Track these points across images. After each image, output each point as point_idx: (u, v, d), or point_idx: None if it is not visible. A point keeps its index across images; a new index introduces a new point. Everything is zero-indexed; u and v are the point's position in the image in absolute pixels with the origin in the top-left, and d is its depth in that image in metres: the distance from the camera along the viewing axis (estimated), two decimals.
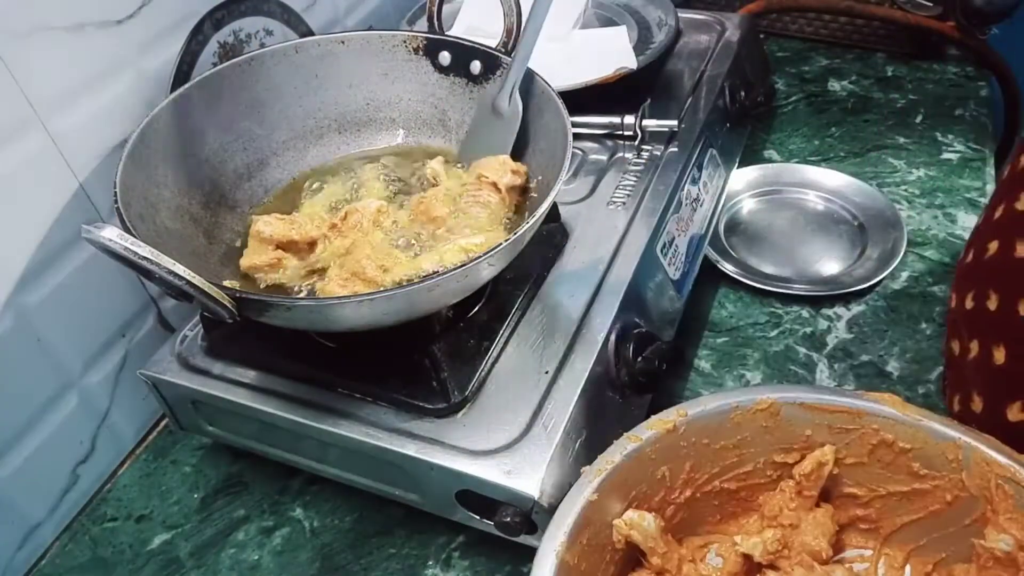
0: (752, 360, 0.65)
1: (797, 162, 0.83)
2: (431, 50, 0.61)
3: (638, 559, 0.46)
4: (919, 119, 0.87)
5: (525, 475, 0.46)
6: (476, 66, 0.60)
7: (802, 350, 0.65)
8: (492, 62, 0.59)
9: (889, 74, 0.95)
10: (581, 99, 0.62)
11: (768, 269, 0.72)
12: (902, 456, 0.45)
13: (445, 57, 0.61)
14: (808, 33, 1.01)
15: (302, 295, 0.53)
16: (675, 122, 0.68)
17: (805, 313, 0.68)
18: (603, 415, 0.51)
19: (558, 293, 0.56)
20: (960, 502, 0.44)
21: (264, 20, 0.68)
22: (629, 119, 0.69)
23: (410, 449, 0.48)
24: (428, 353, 0.52)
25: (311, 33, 0.73)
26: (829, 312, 0.68)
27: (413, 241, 0.55)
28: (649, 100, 0.70)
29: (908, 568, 0.48)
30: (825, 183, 0.79)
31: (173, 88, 0.58)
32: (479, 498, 0.48)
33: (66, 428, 0.59)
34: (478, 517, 0.50)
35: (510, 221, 0.56)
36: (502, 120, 0.58)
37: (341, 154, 0.64)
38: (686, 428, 0.46)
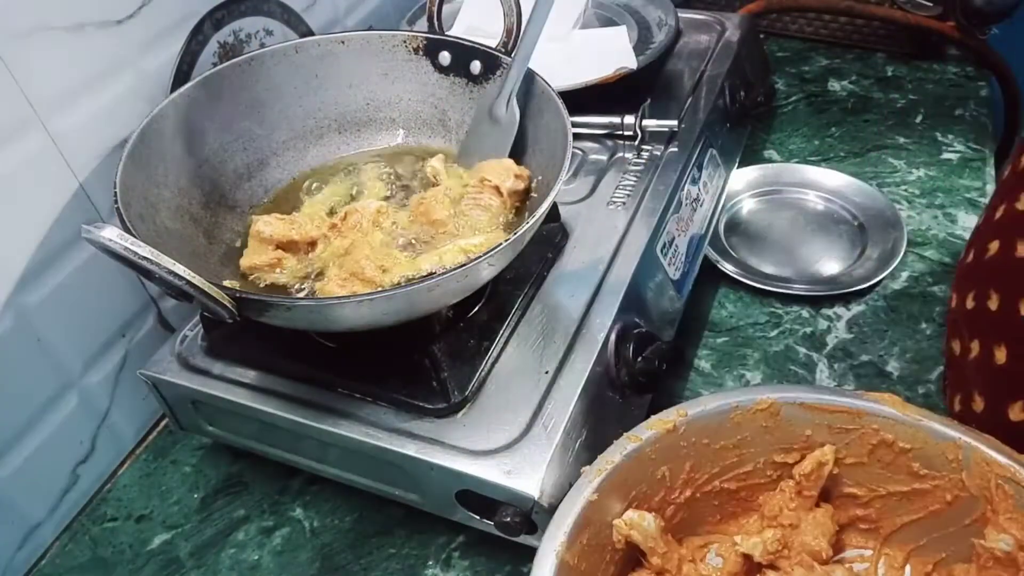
0: (752, 360, 0.65)
1: (797, 162, 0.83)
2: (431, 50, 0.61)
3: (638, 559, 0.46)
4: (919, 119, 0.87)
5: (525, 475, 0.46)
6: (476, 66, 0.60)
7: (802, 350, 0.65)
8: (492, 62, 0.59)
9: (889, 74, 0.95)
10: (581, 99, 0.63)
11: (768, 269, 0.72)
12: (902, 456, 0.45)
13: (445, 57, 0.61)
14: (808, 33, 1.01)
15: (302, 295, 0.53)
16: (675, 122, 0.68)
17: (805, 313, 0.68)
18: (603, 415, 0.51)
19: (558, 293, 0.56)
20: (960, 502, 0.44)
21: (264, 20, 0.68)
22: (629, 119, 0.69)
23: (410, 449, 0.48)
24: (428, 353, 0.52)
25: (311, 33, 0.73)
26: (829, 312, 0.68)
27: (413, 241, 0.55)
28: (649, 100, 0.70)
29: (908, 568, 0.48)
30: (825, 183, 0.79)
31: (173, 88, 0.58)
32: (479, 498, 0.48)
33: (66, 428, 0.59)
34: (478, 517, 0.50)
35: (510, 222, 0.56)
36: (499, 126, 0.58)
37: (341, 154, 0.64)
38: (686, 428, 0.46)
